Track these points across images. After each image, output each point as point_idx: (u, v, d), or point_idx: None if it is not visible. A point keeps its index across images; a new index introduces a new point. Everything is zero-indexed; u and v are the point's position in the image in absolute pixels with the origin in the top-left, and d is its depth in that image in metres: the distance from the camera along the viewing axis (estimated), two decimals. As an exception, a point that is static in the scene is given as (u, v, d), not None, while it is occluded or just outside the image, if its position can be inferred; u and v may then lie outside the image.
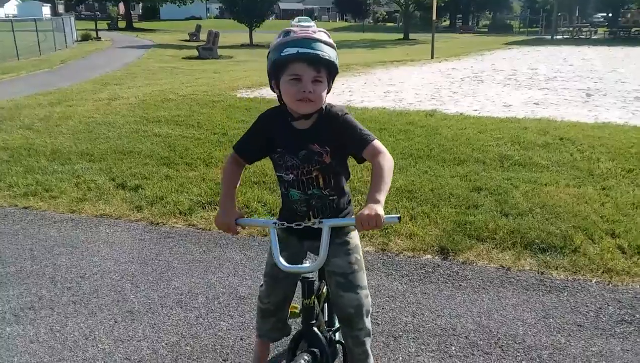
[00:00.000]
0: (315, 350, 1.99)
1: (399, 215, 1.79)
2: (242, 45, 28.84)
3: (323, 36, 1.85)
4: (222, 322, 3.00)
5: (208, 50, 21.88)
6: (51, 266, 3.70)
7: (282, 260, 1.83)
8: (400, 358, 2.68)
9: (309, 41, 1.80)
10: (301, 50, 1.79)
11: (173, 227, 4.37)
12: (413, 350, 2.74)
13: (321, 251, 1.81)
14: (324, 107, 1.94)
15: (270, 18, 38.58)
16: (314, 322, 2.02)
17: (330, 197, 2.02)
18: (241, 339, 2.82)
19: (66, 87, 12.36)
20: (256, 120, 2.05)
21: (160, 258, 3.80)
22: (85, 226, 4.40)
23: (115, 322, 3.02)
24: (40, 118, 8.48)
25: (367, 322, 2.09)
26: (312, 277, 2.00)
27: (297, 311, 2.21)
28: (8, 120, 8.34)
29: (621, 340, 2.80)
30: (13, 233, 4.28)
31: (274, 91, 1.94)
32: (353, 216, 1.93)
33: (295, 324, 2.33)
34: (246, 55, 23.16)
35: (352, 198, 2.27)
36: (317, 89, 1.85)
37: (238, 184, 2.08)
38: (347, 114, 1.97)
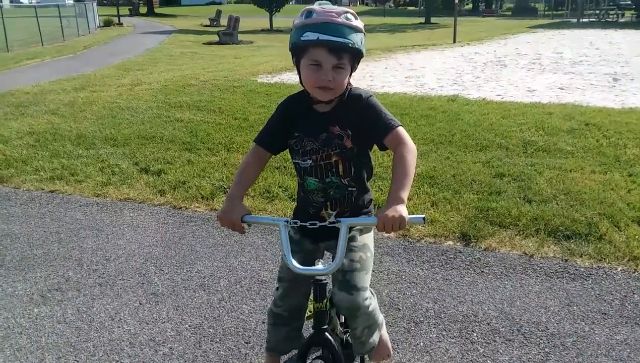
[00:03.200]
0: (328, 356, 1.88)
1: (423, 215, 1.67)
2: (262, 31, 28.77)
3: (348, 19, 1.70)
4: (244, 305, 3.04)
5: (228, 36, 21.86)
6: (77, 249, 3.78)
7: (294, 262, 1.70)
8: (422, 343, 2.68)
9: (331, 26, 1.67)
10: (322, 37, 1.67)
11: (195, 211, 4.42)
12: (434, 335, 2.74)
13: (338, 253, 1.69)
14: (347, 89, 1.84)
15: (290, 2, 38.34)
16: (325, 326, 1.89)
17: (350, 188, 1.90)
18: (263, 322, 2.85)
19: (89, 72, 12.50)
20: (275, 110, 1.97)
21: (183, 242, 3.85)
22: (110, 210, 4.48)
23: (140, 303, 3.08)
24: (64, 103, 8.60)
25: (366, 320, 1.93)
26: (325, 279, 1.85)
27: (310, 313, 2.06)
28: (34, 105, 8.49)
29: (647, 328, 2.76)
30: (40, 216, 4.37)
31: (296, 68, 1.84)
32: (374, 215, 1.80)
33: (306, 330, 2.18)
34: (266, 40, 23.11)
35: (373, 183, 2.14)
36: (337, 76, 1.74)
37: (253, 181, 1.94)
38: (371, 96, 1.86)
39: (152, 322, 2.90)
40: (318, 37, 1.67)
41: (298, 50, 1.76)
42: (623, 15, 35.27)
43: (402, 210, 1.61)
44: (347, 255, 1.92)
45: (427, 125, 6.63)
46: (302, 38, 1.70)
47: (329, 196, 1.90)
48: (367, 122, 1.82)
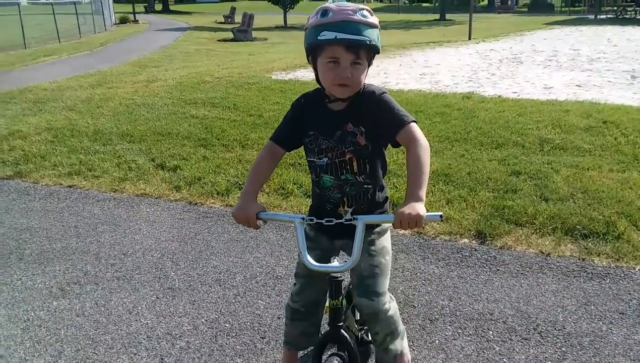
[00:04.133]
0: (344, 353, 1.89)
1: (440, 213, 1.64)
2: (276, 27, 28.78)
3: (365, 16, 1.70)
4: (259, 301, 3.06)
5: (243, 33, 21.92)
6: (95, 243, 3.83)
7: (310, 258, 1.71)
8: (437, 341, 2.68)
9: (348, 25, 1.68)
10: (340, 35, 1.67)
11: (211, 207, 4.45)
12: (450, 333, 2.73)
13: (354, 250, 1.68)
14: (362, 86, 1.84)
15: (305, -1, 38.27)
16: (341, 323, 1.90)
17: (365, 186, 1.90)
18: (278, 318, 2.87)
19: (106, 69, 12.62)
20: (290, 109, 1.98)
21: (199, 238, 3.88)
22: (127, 205, 4.53)
23: (157, 298, 3.12)
24: (82, 100, 8.70)
25: (387, 326, 1.96)
26: (341, 277, 1.86)
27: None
28: (51, 102, 8.60)
29: (666, 329, 2.73)
30: (59, 211, 4.43)
31: (312, 66, 1.85)
32: (389, 213, 1.83)
33: (323, 327, 2.19)
34: (280, 37, 23.13)
35: (387, 180, 2.10)
36: (355, 73, 1.75)
37: (267, 178, 1.95)
38: (385, 93, 1.85)
39: (169, 315, 2.94)
40: (336, 36, 1.67)
41: (315, 49, 1.76)
42: (642, 11, 34.69)
43: (420, 207, 1.60)
44: (366, 260, 1.94)
45: (442, 123, 6.60)
46: (319, 37, 1.70)
47: (345, 192, 1.91)
48: (380, 118, 1.82)
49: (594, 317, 2.84)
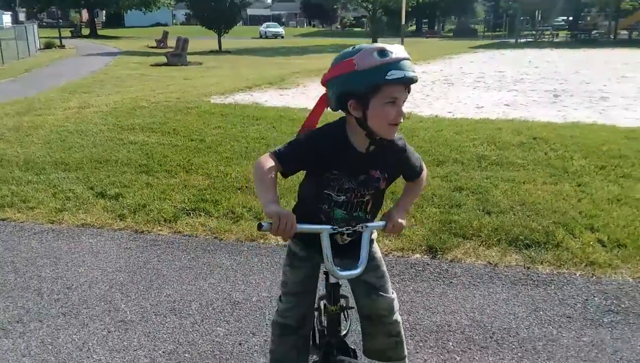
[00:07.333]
0: (347, 359, 1.95)
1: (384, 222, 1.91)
2: (211, 52, 28.64)
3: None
4: (218, 328, 2.98)
5: (177, 57, 21.61)
6: (36, 278, 3.61)
7: (336, 268, 1.78)
8: (400, 356, 2.71)
9: (408, 63, 1.68)
10: (408, 74, 1.66)
11: (159, 234, 4.31)
12: (412, 347, 2.77)
13: (362, 253, 1.82)
14: None
15: (238, 24, 38.33)
16: (340, 328, 1.96)
17: (368, 217, 1.99)
18: (240, 344, 2.81)
19: (33, 95, 12.03)
20: (312, 137, 1.85)
21: (148, 267, 3.74)
22: (67, 236, 4.30)
23: (109, 332, 2.97)
24: (9, 128, 8.24)
25: (399, 327, 2.15)
26: (340, 282, 1.94)
27: None
28: (-25, 131, 8.08)
29: (610, 329, 2.90)
30: (-8, 245, 4.15)
31: (344, 110, 1.78)
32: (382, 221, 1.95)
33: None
34: (215, 61, 23.00)
35: None
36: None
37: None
38: (402, 138, 1.92)
39: (123, 350, 2.80)
40: (405, 75, 1.66)
41: (374, 91, 1.69)
42: (557, 35, 37.35)
43: (404, 221, 1.94)
44: (372, 274, 2.05)
45: (384, 142, 6.75)
46: (387, 77, 1.65)
47: (351, 225, 1.89)
48: (403, 166, 1.98)
49: (544, 322, 2.97)
